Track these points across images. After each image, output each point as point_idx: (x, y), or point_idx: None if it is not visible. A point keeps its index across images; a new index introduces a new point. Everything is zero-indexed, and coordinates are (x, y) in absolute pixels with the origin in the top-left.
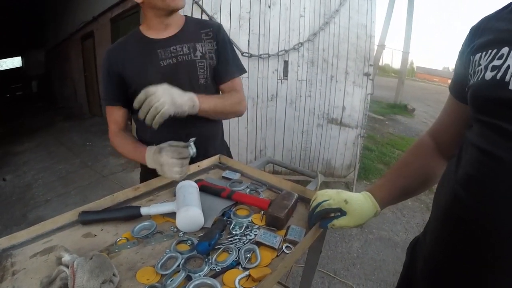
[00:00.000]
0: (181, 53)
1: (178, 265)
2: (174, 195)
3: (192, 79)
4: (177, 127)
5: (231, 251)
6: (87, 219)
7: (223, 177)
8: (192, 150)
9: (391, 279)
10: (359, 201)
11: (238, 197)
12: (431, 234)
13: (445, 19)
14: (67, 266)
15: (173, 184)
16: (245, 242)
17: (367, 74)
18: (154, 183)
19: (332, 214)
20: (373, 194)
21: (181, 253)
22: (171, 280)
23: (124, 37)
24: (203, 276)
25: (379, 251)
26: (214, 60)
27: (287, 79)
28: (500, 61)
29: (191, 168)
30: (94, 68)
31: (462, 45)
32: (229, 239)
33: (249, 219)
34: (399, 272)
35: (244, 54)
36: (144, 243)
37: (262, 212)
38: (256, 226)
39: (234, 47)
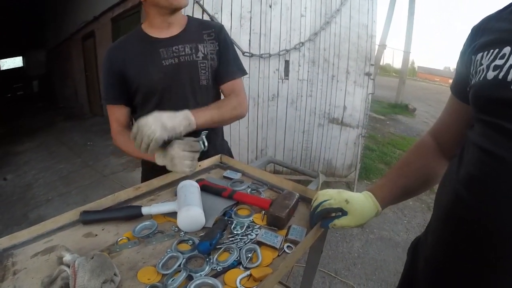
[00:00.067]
0: (183, 53)
1: (179, 265)
2: (175, 195)
3: (194, 80)
4: None
5: (232, 251)
6: (88, 218)
7: (224, 177)
8: (204, 144)
9: (392, 279)
10: (360, 201)
11: (239, 197)
12: (433, 234)
13: (446, 19)
14: (68, 266)
15: (174, 183)
16: (246, 242)
17: (368, 74)
18: (155, 182)
19: (333, 214)
20: (374, 193)
21: (182, 252)
22: (172, 280)
23: (125, 36)
24: (204, 275)
25: (380, 251)
26: (215, 61)
27: (288, 79)
28: (502, 61)
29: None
30: (95, 68)
31: (464, 45)
32: (230, 239)
33: (250, 218)
34: (400, 272)
35: (245, 53)
36: (145, 243)
37: (263, 211)
38: (257, 226)
39: (236, 47)
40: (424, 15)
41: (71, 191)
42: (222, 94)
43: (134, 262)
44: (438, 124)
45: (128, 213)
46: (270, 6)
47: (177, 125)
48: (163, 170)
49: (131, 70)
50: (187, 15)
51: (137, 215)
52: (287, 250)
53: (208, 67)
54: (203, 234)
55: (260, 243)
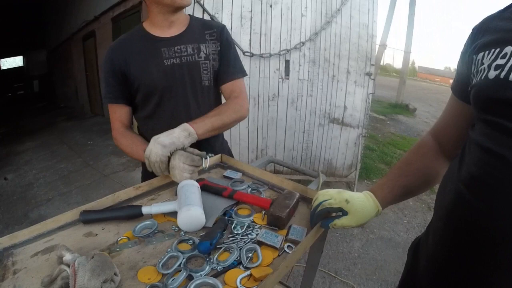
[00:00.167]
0: (185, 53)
1: (180, 265)
2: (176, 195)
3: (195, 81)
4: None
5: (232, 251)
6: (89, 218)
7: (225, 177)
8: (207, 164)
9: (392, 279)
10: (360, 201)
11: (240, 197)
12: (434, 234)
13: (446, 19)
14: (68, 265)
15: (174, 183)
16: (247, 242)
17: (368, 74)
18: (155, 182)
19: (334, 214)
20: (375, 193)
21: (182, 252)
22: (172, 280)
23: (126, 34)
24: (204, 275)
25: (380, 251)
26: (217, 62)
27: (288, 79)
28: (504, 60)
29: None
30: (95, 68)
31: (464, 45)
32: (231, 239)
33: (251, 218)
34: (401, 272)
35: (246, 53)
36: (145, 243)
37: (264, 211)
38: (258, 226)
39: (236, 47)
40: (424, 15)
41: (71, 190)
42: (222, 95)
43: (134, 262)
44: (439, 124)
45: (128, 212)
46: (271, 6)
47: (175, 139)
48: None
49: (132, 68)
50: (189, 14)
51: (137, 215)
52: (287, 250)
53: (210, 68)
54: (203, 233)
55: (260, 243)
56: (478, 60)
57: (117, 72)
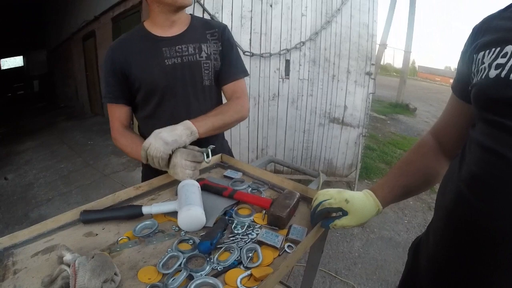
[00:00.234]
0: (187, 53)
1: (180, 265)
2: (176, 194)
3: (197, 80)
4: None
5: (232, 251)
6: (89, 218)
7: (225, 176)
8: (208, 157)
9: (392, 279)
10: (360, 200)
11: (240, 196)
12: (435, 233)
13: (446, 19)
14: (69, 265)
15: (174, 183)
16: (247, 242)
17: (368, 73)
18: (155, 182)
19: (334, 214)
20: (375, 192)
21: (182, 252)
22: (173, 280)
23: (127, 34)
24: (205, 275)
25: (380, 250)
26: (218, 62)
27: (288, 78)
28: (504, 59)
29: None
30: (95, 68)
31: (465, 45)
32: (231, 239)
33: (251, 218)
34: (401, 272)
35: (246, 53)
36: (145, 242)
37: (264, 211)
38: (258, 226)
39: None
40: (424, 15)
41: (71, 190)
42: (223, 95)
43: (135, 262)
44: (439, 124)
45: (128, 212)
46: (271, 6)
47: (178, 136)
48: (163, 170)
49: (133, 68)
50: (190, 14)
51: (137, 215)
52: (287, 250)
53: (211, 68)
54: (203, 233)
55: (260, 243)
56: (479, 59)
57: (117, 72)
